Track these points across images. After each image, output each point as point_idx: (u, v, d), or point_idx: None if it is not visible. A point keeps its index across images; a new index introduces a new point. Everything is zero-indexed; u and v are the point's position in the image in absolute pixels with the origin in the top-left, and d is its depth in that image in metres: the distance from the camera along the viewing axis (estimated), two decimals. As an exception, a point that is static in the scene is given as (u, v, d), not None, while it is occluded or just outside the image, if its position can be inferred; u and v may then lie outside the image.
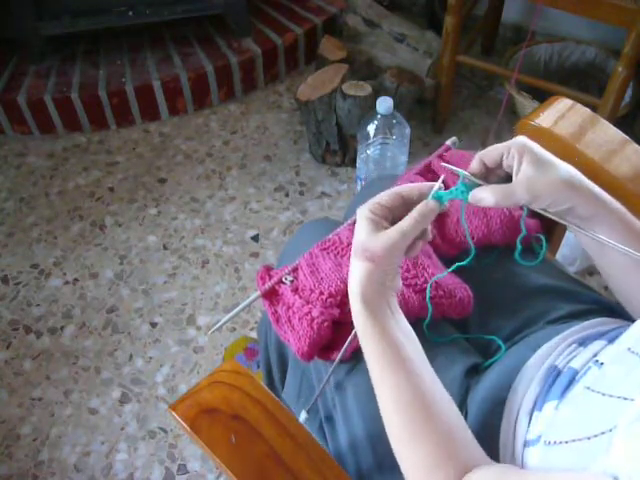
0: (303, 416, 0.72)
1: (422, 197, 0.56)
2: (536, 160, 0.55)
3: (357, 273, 0.55)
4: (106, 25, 1.96)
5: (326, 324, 0.67)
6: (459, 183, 0.57)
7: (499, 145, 0.57)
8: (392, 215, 0.56)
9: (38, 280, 1.57)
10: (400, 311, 0.57)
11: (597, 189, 0.56)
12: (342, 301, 0.70)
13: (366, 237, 0.54)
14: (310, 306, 0.68)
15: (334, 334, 0.70)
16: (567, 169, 0.56)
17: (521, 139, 0.57)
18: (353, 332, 0.66)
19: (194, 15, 2.00)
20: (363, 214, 0.56)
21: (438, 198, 0.56)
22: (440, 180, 0.57)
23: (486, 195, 0.56)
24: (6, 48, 2.04)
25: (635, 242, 0.55)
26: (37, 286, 1.55)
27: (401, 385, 0.52)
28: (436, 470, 0.49)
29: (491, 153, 0.58)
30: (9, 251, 1.64)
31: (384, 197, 0.57)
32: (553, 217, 0.56)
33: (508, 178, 0.58)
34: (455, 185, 0.57)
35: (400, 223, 0.55)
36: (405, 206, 0.57)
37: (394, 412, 0.53)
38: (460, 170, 0.58)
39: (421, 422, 0.51)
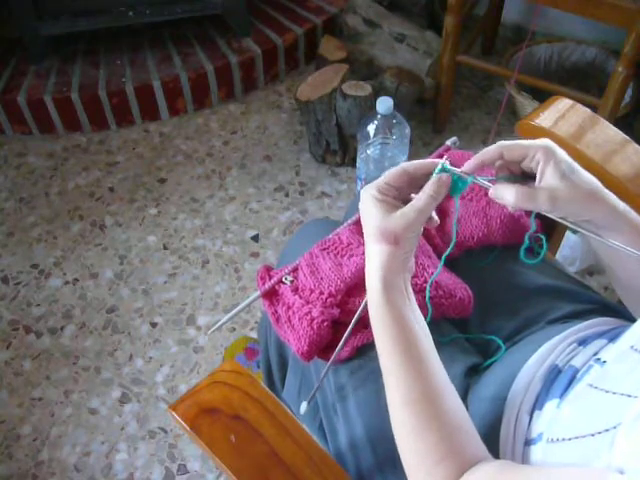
0: (304, 407, 0.71)
1: (429, 174, 0.55)
2: (562, 170, 0.53)
3: (377, 257, 0.53)
4: (106, 25, 1.96)
5: (326, 324, 0.67)
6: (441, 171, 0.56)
7: (524, 143, 0.55)
8: (399, 193, 0.56)
9: (38, 280, 1.57)
10: (412, 294, 0.56)
11: (617, 200, 0.55)
12: (342, 301, 0.70)
13: (382, 218, 0.53)
14: (310, 306, 0.68)
15: (334, 334, 0.70)
16: (591, 180, 0.54)
17: (548, 143, 0.54)
18: (347, 331, 0.66)
19: (194, 15, 2.00)
20: (372, 196, 0.54)
21: (446, 172, 0.55)
22: (445, 158, 0.56)
23: (508, 195, 0.54)
24: (6, 48, 2.04)
25: None
26: (37, 286, 1.55)
27: (411, 378, 0.52)
28: (441, 464, 0.49)
29: (515, 150, 0.55)
30: (9, 251, 1.64)
31: (391, 176, 0.55)
32: (570, 225, 0.55)
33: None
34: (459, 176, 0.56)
35: (415, 200, 0.54)
36: (410, 185, 0.56)
37: (403, 404, 0.52)
38: (466, 173, 0.56)
39: (430, 414, 0.50)
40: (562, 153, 0.54)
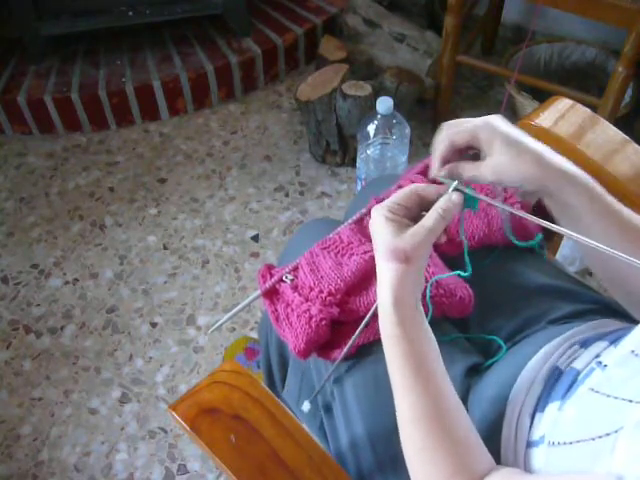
0: (306, 406, 0.71)
1: (439, 196, 0.56)
2: (504, 145, 0.54)
3: (389, 276, 0.53)
4: (106, 25, 1.96)
5: (324, 322, 0.67)
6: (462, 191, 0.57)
7: (467, 126, 0.56)
8: (410, 213, 0.56)
9: (38, 280, 1.57)
10: (423, 311, 0.57)
11: (566, 163, 0.55)
12: (342, 300, 0.70)
13: (392, 238, 0.53)
14: (309, 304, 0.68)
15: (334, 333, 0.70)
16: (536, 147, 0.55)
17: (490, 120, 0.56)
18: (357, 332, 0.66)
19: (194, 15, 2.00)
20: (382, 215, 0.55)
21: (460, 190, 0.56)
22: (455, 182, 0.56)
23: (459, 169, 0.57)
24: (6, 48, 2.04)
25: (614, 224, 0.55)
26: (37, 286, 1.55)
27: (420, 395, 0.52)
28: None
29: (461, 135, 0.57)
30: (9, 251, 1.64)
31: (402, 197, 0.56)
32: (549, 226, 0.55)
33: None
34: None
35: (425, 219, 0.54)
36: (421, 205, 0.56)
37: (412, 421, 0.52)
38: (453, 181, 0.57)
39: (438, 432, 0.51)
40: (503, 127, 0.56)
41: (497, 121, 0.56)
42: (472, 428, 0.53)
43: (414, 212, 0.56)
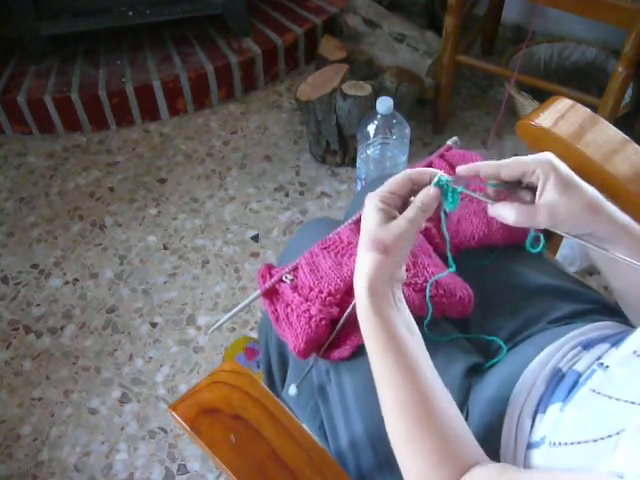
0: (292, 390, 0.71)
1: (432, 180, 0.56)
2: (562, 184, 0.53)
3: (366, 265, 0.54)
4: (106, 25, 1.96)
5: (324, 322, 0.67)
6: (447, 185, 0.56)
7: (522, 161, 0.55)
8: (402, 201, 0.56)
9: (38, 280, 1.57)
10: (404, 302, 0.57)
11: (617, 212, 0.55)
12: (343, 300, 0.70)
13: (376, 228, 0.54)
14: (309, 304, 0.68)
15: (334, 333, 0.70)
16: (591, 193, 0.54)
17: (548, 157, 0.54)
18: (336, 329, 0.67)
19: (194, 15, 2.00)
20: (373, 204, 0.55)
21: (441, 185, 0.55)
22: (442, 172, 0.56)
23: (508, 213, 0.54)
24: (6, 48, 2.04)
25: None
26: (37, 286, 1.55)
27: (403, 384, 0.52)
28: (438, 468, 0.49)
29: (512, 170, 0.55)
30: (9, 251, 1.64)
31: (394, 184, 0.56)
32: (570, 237, 0.55)
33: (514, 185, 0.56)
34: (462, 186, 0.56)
35: (406, 212, 0.55)
36: (413, 192, 0.56)
37: (396, 410, 0.52)
38: (460, 187, 0.56)
39: (423, 420, 0.51)
40: (562, 166, 0.54)
41: (555, 159, 0.54)
42: (459, 417, 0.52)
43: (406, 200, 0.56)
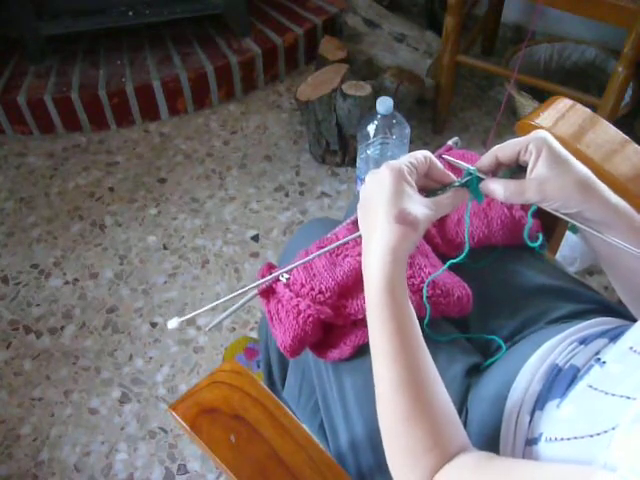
0: (173, 322, 0.62)
1: (444, 175, 0.57)
2: (553, 159, 0.53)
3: (391, 235, 0.52)
4: (106, 25, 1.96)
5: (311, 319, 0.66)
6: (469, 178, 0.57)
7: (517, 140, 0.55)
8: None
9: (38, 280, 1.57)
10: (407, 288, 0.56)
11: (609, 192, 0.55)
12: (339, 304, 0.69)
13: (408, 202, 0.53)
14: (299, 299, 0.68)
15: (332, 334, 0.70)
16: (583, 171, 0.54)
17: (542, 134, 0.55)
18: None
19: (194, 15, 2.00)
20: (401, 176, 0.54)
21: (471, 180, 0.57)
22: (468, 173, 0.57)
23: (497, 187, 0.55)
24: (6, 48, 2.04)
25: None
26: (37, 286, 1.55)
27: (411, 361, 0.51)
28: (427, 454, 0.49)
29: (507, 150, 0.56)
30: (9, 251, 1.64)
31: (418, 161, 0.56)
32: (563, 217, 0.55)
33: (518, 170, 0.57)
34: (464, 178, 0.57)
35: (439, 199, 0.55)
36: (426, 176, 0.57)
37: (392, 391, 0.51)
38: (468, 166, 0.57)
39: (424, 400, 0.50)
40: (554, 143, 0.54)
41: (549, 136, 0.55)
42: (449, 402, 0.52)
43: (421, 180, 0.56)
